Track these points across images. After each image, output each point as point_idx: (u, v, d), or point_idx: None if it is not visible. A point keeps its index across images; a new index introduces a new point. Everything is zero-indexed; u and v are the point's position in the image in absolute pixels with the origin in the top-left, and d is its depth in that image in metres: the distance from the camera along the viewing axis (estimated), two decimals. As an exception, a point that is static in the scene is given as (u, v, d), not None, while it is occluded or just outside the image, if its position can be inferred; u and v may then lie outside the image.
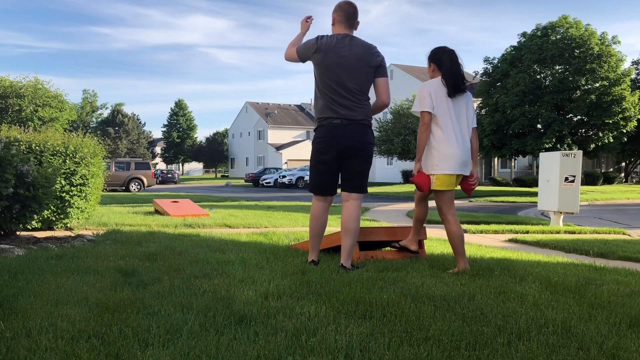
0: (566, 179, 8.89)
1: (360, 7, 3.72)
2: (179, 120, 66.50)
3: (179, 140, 65.82)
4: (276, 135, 57.76)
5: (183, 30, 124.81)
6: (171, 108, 67.54)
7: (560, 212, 9.11)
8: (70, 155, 6.30)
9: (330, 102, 3.55)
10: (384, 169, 42.06)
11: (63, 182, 6.13)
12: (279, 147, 55.49)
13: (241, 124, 64.37)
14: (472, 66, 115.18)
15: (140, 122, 61.26)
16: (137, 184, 24.87)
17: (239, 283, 2.99)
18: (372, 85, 3.65)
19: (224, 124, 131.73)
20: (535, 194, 14.43)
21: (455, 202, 3.79)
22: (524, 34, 27.66)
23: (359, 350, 1.92)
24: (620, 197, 19.89)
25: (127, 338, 1.98)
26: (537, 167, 27.02)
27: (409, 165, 35.32)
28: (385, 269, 3.54)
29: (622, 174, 38.10)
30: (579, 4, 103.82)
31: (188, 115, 67.44)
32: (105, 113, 65.93)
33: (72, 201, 6.27)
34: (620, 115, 25.22)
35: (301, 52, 3.69)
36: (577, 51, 25.77)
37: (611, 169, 39.10)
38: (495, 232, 8.18)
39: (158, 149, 69.97)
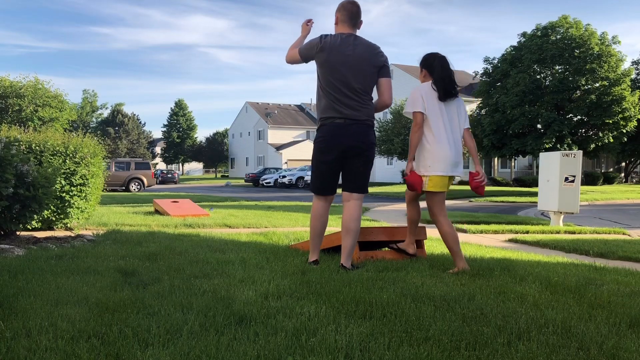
0: (566, 179, 8.89)
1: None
2: (179, 120, 66.50)
3: (179, 140, 65.83)
4: (276, 135, 57.76)
5: (183, 30, 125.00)
6: (171, 108, 67.58)
7: (560, 212, 9.10)
8: (70, 155, 6.30)
9: (333, 102, 3.54)
10: (384, 169, 42.07)
11: (63, 182, 6.13)
12: (279, 147, 55.48)
13: (241, 124, 64.37)
14: (472, 66, 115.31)
15: (140, 122, 61.28)
16: (137, 184, 24.87)
17: (239, 283, 2.99)
18: (374, 86, 3.65)
19: (224, 124, 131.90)
20: (535, 194, 14.43)
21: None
22: (524, 34, 27.68)
23: (359, 350, 1.92)
24: (620, 197, 19.89)
25: (127, 338, 1.98)
26: (537, 167, 27.04)
27: (409, 165, 35.26)
28: (385, 269, 3.54)
29: (622, 174, 38.12)
30: (579, 4, 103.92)
31: (188, 115, 67.45)
32: (105, 113, 66.03)
33: (72, 201, 6.27)
34: (620, 115, 25.24)
35: (304, 52, 3.68)
36: (577, 51, 25.79)
37: (611, 169, 39.11)
38: (495, 232, 8.18)
39: (158, 149, 69.98)
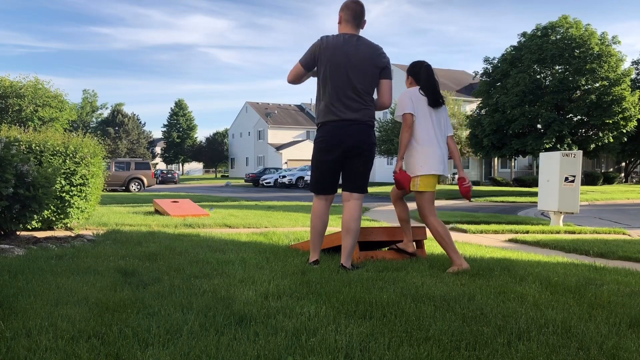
0: (566, 179, 8.89)
1: (361, 7, 3.69)
2: (179, 120, 66.51)
3: (179, 140, 65.82)
4: (276, 135, 57.76)
5: (183, 30, 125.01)
6: (171, 108, 67.59)
7: (560, 212, 9.11)
8: (70, 155, 6.30)
9: (335, 101, 3.52)
10: (384, 169, 42.04)
11: (63, 182, 6.13)
12: (279, 147, 55.48)
13: (241, 124, 64.36)
14: (472, 66, 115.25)
15: (140, 122, 61.28)
16: (137, 184, 24.87)
17: (239, 283, 2.99)
18: (376, 86, 3.65)
19: (224, 124, 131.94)
20: (535, 194, 14.43)
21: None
22: (524, 34, 27.65)
23: (359, 350, 1.92)
24: (620, 197, 19.90)
25: (127, 338, 1.98)
26: (537, 167, 27.04)
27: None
28: (385, 269, 3.54)
29: (622, 174, 38.12)
30: (579, 4, 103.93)
31: (188, 115, 67.45)
32: (105, 113, 66.06)
33: (72, 201, 6.27)
34: (620, 115, 25.21)
35: (305, 59, 3.60)
36: (577, 51, 25.76)
37: (611, 169, 39.11)
38: (495, 232, 8.18)
39: (158, 149, 69.97)
